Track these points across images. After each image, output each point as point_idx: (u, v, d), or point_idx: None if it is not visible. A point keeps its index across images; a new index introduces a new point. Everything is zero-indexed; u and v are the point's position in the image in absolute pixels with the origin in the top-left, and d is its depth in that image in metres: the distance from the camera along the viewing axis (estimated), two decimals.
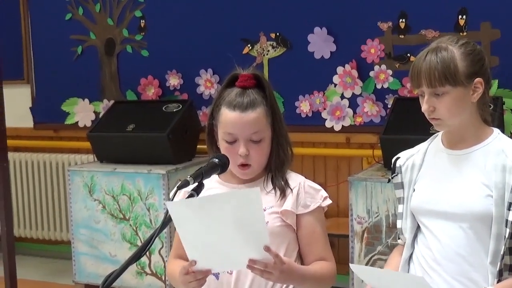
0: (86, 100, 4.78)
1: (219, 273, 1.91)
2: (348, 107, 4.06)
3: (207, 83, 4.41)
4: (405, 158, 2.05)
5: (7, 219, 3.60)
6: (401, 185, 2.04)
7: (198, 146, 4.22)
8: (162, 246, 3.88)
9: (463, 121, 1.89)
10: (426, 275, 1.92)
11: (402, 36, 3.91)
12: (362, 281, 1.96)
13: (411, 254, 2.01)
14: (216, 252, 1.70)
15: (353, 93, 4.04)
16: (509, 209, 1.80)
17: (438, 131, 2.01)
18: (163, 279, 3.92)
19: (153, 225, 3.90)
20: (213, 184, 1.95)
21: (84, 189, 4.08)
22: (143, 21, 4.58)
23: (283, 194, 1.93)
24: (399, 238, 2.09)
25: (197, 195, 1.75)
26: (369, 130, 4.01)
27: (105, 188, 4.02)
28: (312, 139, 4.19)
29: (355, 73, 4.00)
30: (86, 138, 4.31)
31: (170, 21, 4.48)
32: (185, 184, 1.71)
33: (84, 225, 4.11)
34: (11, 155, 4.63)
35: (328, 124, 4.12)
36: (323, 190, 1.99)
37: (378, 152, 3.66)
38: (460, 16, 3.76)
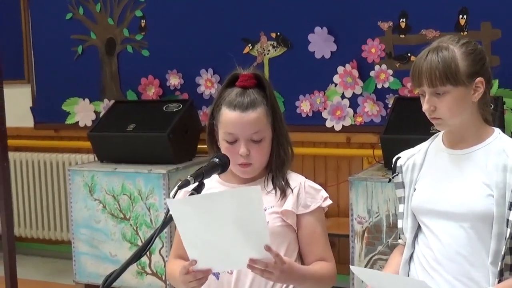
0: (87, 100, 4.79)
1: (219, 273, 1.91)
2: (349, 107, 4.06)
3: (207, 83, 4.41)
4: (405, 158, 2.05)
5: (7, 219, 3.60)
6: (401, 185, 2.04)
7: (198, 146, 4.22)
8: (163, 246, 3.88)
9: (464, 120, 1.89)
10: (427, 275, 1.92)
11: (403, 36, 3.91)
12: (363, 281, 1.95)
13: (412, 254, 2.00)
14: (216, 251, 1.70)
15: (353, 92, 4.04)
16: (510, 209, 1.80)
17: (439, 131, 2.01)
18: (164, 279, 3.91)
19: (153, 225, 3.90)
20: (213, 184, 1.95)
21: (85, 188, 4.08)
22: (144, 20, 4.58)
23: (283, 194, 1.93)
24: (399, 238, 2.09)
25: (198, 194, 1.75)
26: (370, 130, 4.01)
27: (105, 188, 4.02)
28: (312, 138, 4.19)
29: (355, 72, 4.00)
30: (86, 137, 4.31)
31: (171, 21, 4.48)
32: (185, 183, 1.71)
33: (85, 225, 4.11)
34: (11, 155, 4.63)
35: (328, 124, 4.12)
36: (323, 190, 1.99)
37: (379, 152, 3.66)
38: (460, 16, 3.76)
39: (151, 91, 4.55)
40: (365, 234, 3.42)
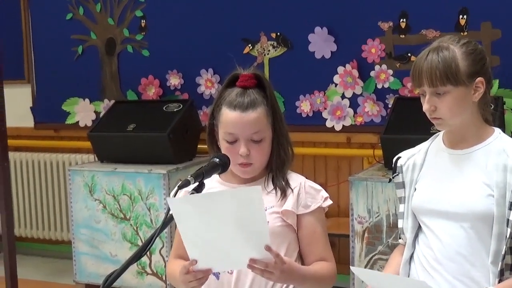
0: (87, 100, 4.78)
1: (219, 273, 1.91)
2: (349, 107, 4.06)
3: (207, 83, 4.41)
4: (406, 158, 2.05)
5: (7, 219, 3.60)
6: (402, 185, 2.04)
7: (198, 146, 4.22)
8: (163, 246, 3.88)
9: (464, 120, 1.89)
10: (427, 274, 1.92)
11: (403, 36, 3.91)
12: (363, 281, 1.96)
13: (412, 254, 2.00)
14: (217, 251, 1.70)
15: (353, 92, 4.04)
16: (510, 209, 1.80)
17: (439, 131, 2.01)
18: (164, 279, 3.91)
19: (153, 225, 3.90)
20: (213, 184, 1.95)
21: (85, 188, 4.08)
22: (144, 21, 4.58)
23: (283, 194, 1.93)
24: (400, 238, 2.09)
25: None
26: (370, 130, 4.01)
27: (105, 188, 4.02)
28: (312, 139, 4.19)
29: (355, 73, 4.00)
30: (86, 137, 4.31)
31: (171, 21, 4.48)
32: (185, 183, 1.70)
33: (85, 225, 4.11)
34: (11, 155, 4.63)
35: (328, 124, 4.12)
36: (323, 191, 1.99)
37: (379, 152, 3.66)
38: (460, 16, 3.76)
39: (151, 91, 4.55)
40: (365, 234, 3.42)
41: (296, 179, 1.97)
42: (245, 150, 1.88)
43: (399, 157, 2.08)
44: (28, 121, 5.01)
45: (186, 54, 4.44)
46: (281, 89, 4.04)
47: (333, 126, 4.11)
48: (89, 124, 4.73)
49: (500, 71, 3.45)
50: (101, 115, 4.58)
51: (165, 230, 3.51)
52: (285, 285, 1.92)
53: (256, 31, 4.25)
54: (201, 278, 1.75)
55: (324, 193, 1.98)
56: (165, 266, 3.88)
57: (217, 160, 1.83)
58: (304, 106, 4.16)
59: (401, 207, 2.05)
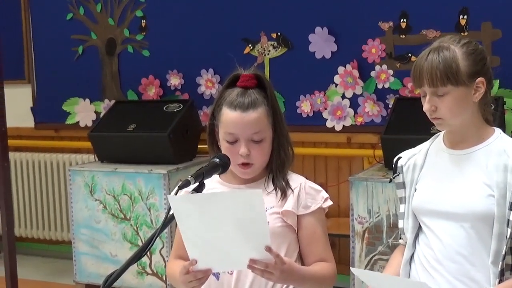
0: (87, 100, 4.78)
1: (219, 273, 1.91)
2: (349, 107, 4.06)
3: (208, 83, 4.41)
4: (406, 158, 2.05)
5: (8, 219, 3.60)
6: (402, 185, 2.04)
7: (199, 146, 4.22)
8: (163, 246, 3.88)
9: (464, 121, 1.89)
10: (428, 275, 1.92)
11: (403, 36, 3.91)
12: (363, 282, 1.95)
13: (413, 254, 2.00)
14: (217, 250, 1.70)
15: (354, 93, 4.04)
16: (510, 209, 1.80)
17: (440, 131, 2.01)
18: (164, 279, 3.91)
19: (154, 225, 3.90)
20: (214, 184, 1.95)
21: (85, 189, 4.08)
22: (144, 21, 4.58)
23: (284, 195, 1.93)
24: (400, 238, 2.09)
25: None
26: (370, 130, 4.01)
27: (106, 188, 4.02)
28: (313, 139, 4.19)
29: (356, 73, 4.00)
30: (87, 138, 4.31)
31: (171, 21, 4.48)
32: (186, 184, 1.70)
33: (85, 225, 4.11)
34: (12, 155, 4.63)
35: (329, 124, 4.12)
36: (324, 191, 1.99)
37: (379, 152, 3.66)
38: (461, 16, 3.76)
39: (152, 91, 4.55)
40: (366, 234, 3.42)
41: (296, 180, 1.97)
42: (246, 150, 1.88)
43: (399, 157, 2.08)
44: (28, 121, 5.01)
45: (186, 54, 4.44)
46: (281, 89, 4.04)
47: (334, 126, 4.11)
48: (90, 124, 4.73)
49: (501, 71, 3.45)
50: (102, 115, 4.58)
51: (166, 231, 3.51)
52: (285, 286, 1.92)
53: (256, 31, 4.25)
54: (201, 278, 1.75)
55: (324, 194, 1.98)
56: (165, 266, 3.88)
57: (218, 160, 1.83)
58: (305, 106, 4.16)
59: (402, 208, 2.05)
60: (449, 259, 1.88)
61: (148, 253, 1.72)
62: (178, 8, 4.45)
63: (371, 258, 3.42)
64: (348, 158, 4.15)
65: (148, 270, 3.95)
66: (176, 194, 1.80)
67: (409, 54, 3.87)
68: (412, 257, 2.01)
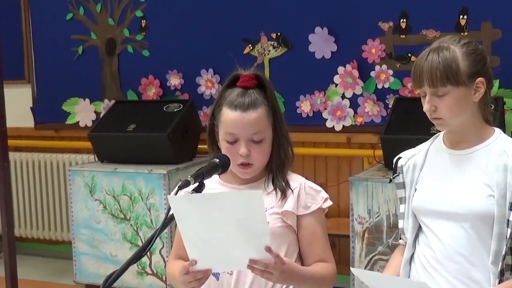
0: (87, 100, 4.78)
1: (219, 274, 1.91)
2: (349, 107, 4.06)
3: (208, 83, 4.41)
4: (406, 158, 2.05)
5: (8, 219, 3.60)
6: (402, 185, 2.04)
7: (199, 146, 4.22)
8: (163, 246, 3.88)
9: (464, 121, 1.89)
10: (428, 275, 1.92)
11: (403, 36, 3.91)
12: (363, 282, 1.95)
13: (413, 254, 2.00)
14: (216, 251, 1.70)
15: (354, 93, 4.04)
16: (510, 209, 1.80)
17: (440, 131, 2.01)
18: (164, 279, 3.91)
19: (154, 225, 3.90)
20: (213, 184, 1.95)
21: (85, 189, 4.08)
22: (144, 21, 4.58)
23: (283, 195, 1.93)
24: (400, 238, 2.09)
25: None
26: (370, 130, 4.01)
27: (105, 188, 4.02)
28: (313, 139, 4.19)
29: (356, 73, 4.00)
30: (87, 138, 4.31)
31: (171, 21, 4.48)
32: (186, 184, 1.70)
33: (85, 225, 4.11)
34: (12, 155, 4.63)
35: (329, 124, 4.12)
36: (323, 192, 1.99)
37: (379, 152, 3.66)
38: (461, 16, 3.76)
39: (152, 91, 4.55)
40: (366, 235, 3.42)
41: (296, 180, 1.97)
42: (245, 150, 1.88)
43: (399, 158, 2.08)
44: (28, 121, 5.01)
45: (186, 54, 4.44)
46: (281, 89, 4.04)
47: (333, 126, 4.11)
48: (89, 124, 4.73)
49: (501, 71, 3.45)
50: (102, 115, 4.58)
51: (165, 231, 3.51)
52: (284, 286, 1.92)
53: (256, 31, 4.25)
54: (201, 279, 1.75)
55: (324, 194, 1.98)
56: (165, 267, 3.88)
57: (217, 160, 1.83)
58: (304, 106, 4.16)
59: (402, 208, 2.05)
60: (449, 259, 1.88)
61: (148, 253, 1.72)
62: (178, 8, 4.45)
63: (371, 258, 3.42)
64: (348, 158, 4.15)
65: (148, 270, 3.95)
66: (176, 194, 1.80)
67: (409, 54, 3.87)
68: (412, 257, 2.01)
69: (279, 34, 4.20)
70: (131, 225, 3.98)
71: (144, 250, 1.63)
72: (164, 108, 4.21)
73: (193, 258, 1.72)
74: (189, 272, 1.73)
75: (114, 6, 4.65)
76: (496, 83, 3.62)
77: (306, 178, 2.01)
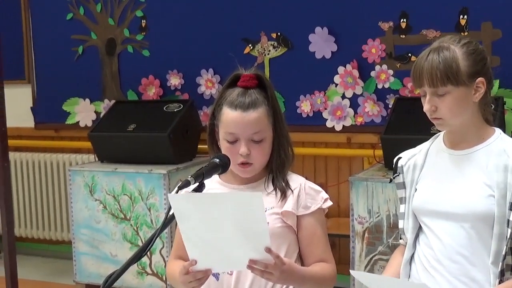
0: (87, 100, 4.78)
1: (219, 274, 1.91)
2: (349, 107, 4.06)
3: (208, 83, 4.41)
4: (406, 158, 2.05)
5: (8, 219, 3.60)
6: (402, 185, 2.04)
7: (199, 146, 4.22)
8: (163, 246, 3.88)
9: (464, 121, 1.89)
10: (428, 275, 1.92)
11: (403, 36, 3.91)
12: (363, 284, 1.95)
13: (413, 254, 2.00)
14: (217, 251, 1.70)
15: (354, 93, 4.04)
16: (511, 209, 1.80)
17: (440, 131, 2.01)
18: (164, 279, 3.91)
19: (154, 225, 3.90)
20: (214, 184, 1.95)
21: (85, 189, 4.08)
22: (144, 21, 4.58)
23: (283, 195, 1.93)
24: (400, 238, 2.09)
25: None
26: (370, 130, 4.01)
27: (106, 188, 4.02)
28: (313, 139, 4.19)
29: (356, 73, 4.00)
30: (87, 138, 4.31)
31: (171, 21, 4.48)
32: (186, 184, 1.70)
33: (85, 225, 4.11)
34: (12, 155, 4.63)
35: (329, 124, 4.12)
36: (323, 192, 1.99)
37: (379, 152, 3.66)
38: (461, 16, 3.76)
39: (152, 91, 4.55)
40: (366, 234, 3.42)
41: (296, 180, 1.97)
42: (246, 150, 1.88)
43: (399, 158, 2.08)
44: (28, 121, 5.01)
45: (186, 54, 4.44)
46: (281, 89, 4.04)
47: (334, 126, 4.11)
48: (90, 124, 4.73)
49: (501, 71, 3.44)
50: (102, 115, 4.58)
51: (166, 231, 3.51)
52: (284, 286, 1.91)
53: (256, 31, 4.25)
54: (201, 279, 1.75)
55: (324, 194, 1.98)
56: (165, 267, 3.87)
57: (218, 160, 1.83)
58: (305, 106, 4.16)
59: (402, 208, 2.05)
60: (450, 259, 1.88)
61: (148, 253, 1.72)
62: (178, 8, 4.45)
63: (371, 258, 3.42)
64: (348, 158, 4.15)
65: (148, 270, 3.95)
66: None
67: (409, 54, 3.87)
68: (412, 257, 2.01)
69: (279, 34, 4.20)
70: (131, 225, 3.98)
71: (144, 250, 1.63)
72: (164, 108, 4.21)
73: (193, 258, 1.72)
74: (189, 272, 1.73)
75: (114, 6, 4.65)
76: (496, 83, 3.62)
77: (306, 178, 2.01)
